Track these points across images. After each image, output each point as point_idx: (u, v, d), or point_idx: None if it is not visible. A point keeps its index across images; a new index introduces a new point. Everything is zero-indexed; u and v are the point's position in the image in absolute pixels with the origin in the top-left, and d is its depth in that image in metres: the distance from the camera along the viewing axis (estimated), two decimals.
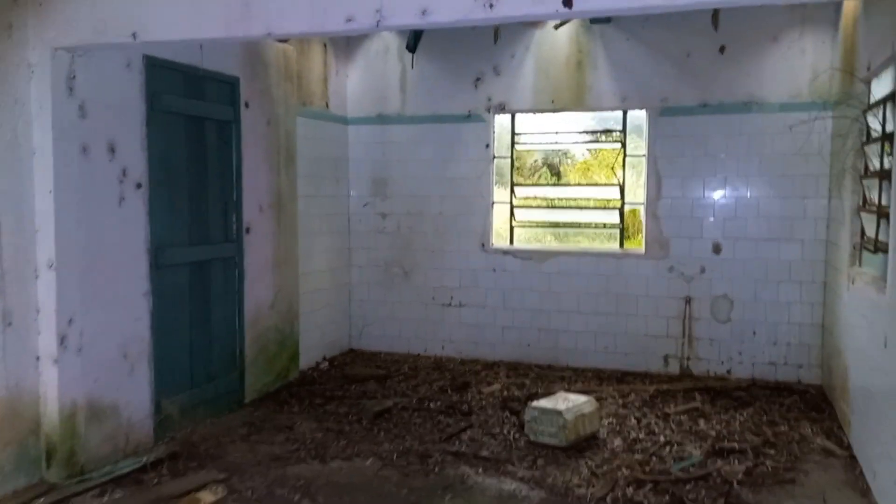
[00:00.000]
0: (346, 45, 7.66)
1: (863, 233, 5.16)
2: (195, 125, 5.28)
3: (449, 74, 7.42)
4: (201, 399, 5.35)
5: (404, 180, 7.62)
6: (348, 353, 7.72)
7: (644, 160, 7.01)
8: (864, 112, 5.10)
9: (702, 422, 5.53)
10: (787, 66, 6.47)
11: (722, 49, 6.60)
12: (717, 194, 6.72)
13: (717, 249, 6.73)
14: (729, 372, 6.74)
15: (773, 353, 6.64)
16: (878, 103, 4.70)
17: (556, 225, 7.68)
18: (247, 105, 5.81)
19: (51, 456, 4.20)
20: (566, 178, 9.76)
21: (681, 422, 5.53)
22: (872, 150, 4.90)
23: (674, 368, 6.91)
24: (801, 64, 6.45)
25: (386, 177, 7.68)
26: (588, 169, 9.13)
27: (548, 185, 7.52)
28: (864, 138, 5.15)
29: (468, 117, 7.38)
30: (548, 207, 7.59)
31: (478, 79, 7.34)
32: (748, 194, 6.64)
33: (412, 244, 7.63)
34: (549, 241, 7.79)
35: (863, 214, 5.11)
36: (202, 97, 5.34)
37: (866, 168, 5.14)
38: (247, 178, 5.81)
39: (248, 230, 5.85)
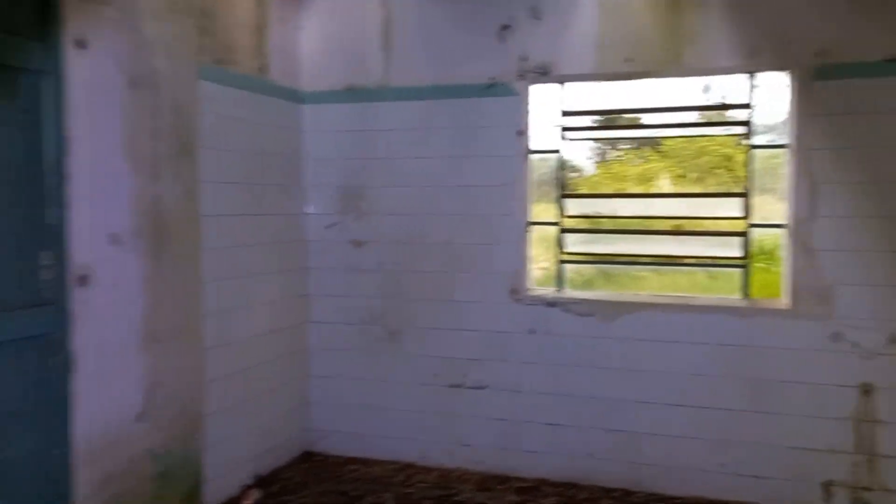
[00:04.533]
0: None
1: None
2: None
3: (459, 21, 4.67)
4: None
5: (390, 190, 4.85)
6: (301, 460, 4.89)
7: (787, 154, 4.24)
8: None
9: None
10: None
11: None
12: None
13: None
14: None
15: None
16: None
17: (634, 260, 4.83)
18: (81, 45, 3.06)
19: None
20: (581, 189, 6.70)
21: None
22: None
23: None
24: None
25: (362, 184, 4.92)
26: (648, 178, 6.19)
27: (621, 194, 4.76)
28: None
29: (490, 88, 4.62)
30: (618, 232, 4.79)
31: (505, 27, 4.59)
32: None
33: (403, 290, 4.85)
34: (621, 287, 4.96)
35: None
36: None
37: None
38: (81, 184, 3.06)
39: (83, 281, 3.09)
